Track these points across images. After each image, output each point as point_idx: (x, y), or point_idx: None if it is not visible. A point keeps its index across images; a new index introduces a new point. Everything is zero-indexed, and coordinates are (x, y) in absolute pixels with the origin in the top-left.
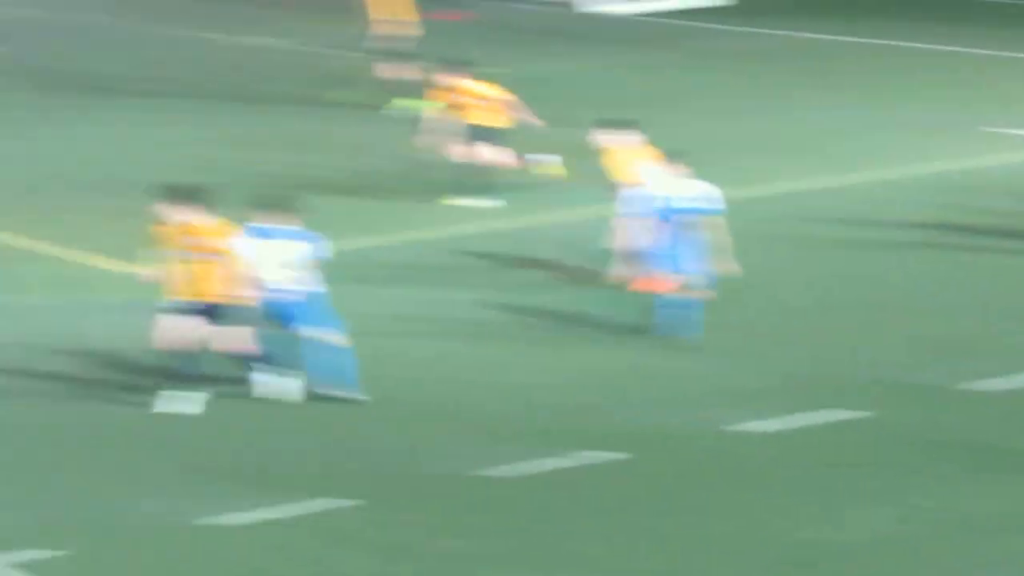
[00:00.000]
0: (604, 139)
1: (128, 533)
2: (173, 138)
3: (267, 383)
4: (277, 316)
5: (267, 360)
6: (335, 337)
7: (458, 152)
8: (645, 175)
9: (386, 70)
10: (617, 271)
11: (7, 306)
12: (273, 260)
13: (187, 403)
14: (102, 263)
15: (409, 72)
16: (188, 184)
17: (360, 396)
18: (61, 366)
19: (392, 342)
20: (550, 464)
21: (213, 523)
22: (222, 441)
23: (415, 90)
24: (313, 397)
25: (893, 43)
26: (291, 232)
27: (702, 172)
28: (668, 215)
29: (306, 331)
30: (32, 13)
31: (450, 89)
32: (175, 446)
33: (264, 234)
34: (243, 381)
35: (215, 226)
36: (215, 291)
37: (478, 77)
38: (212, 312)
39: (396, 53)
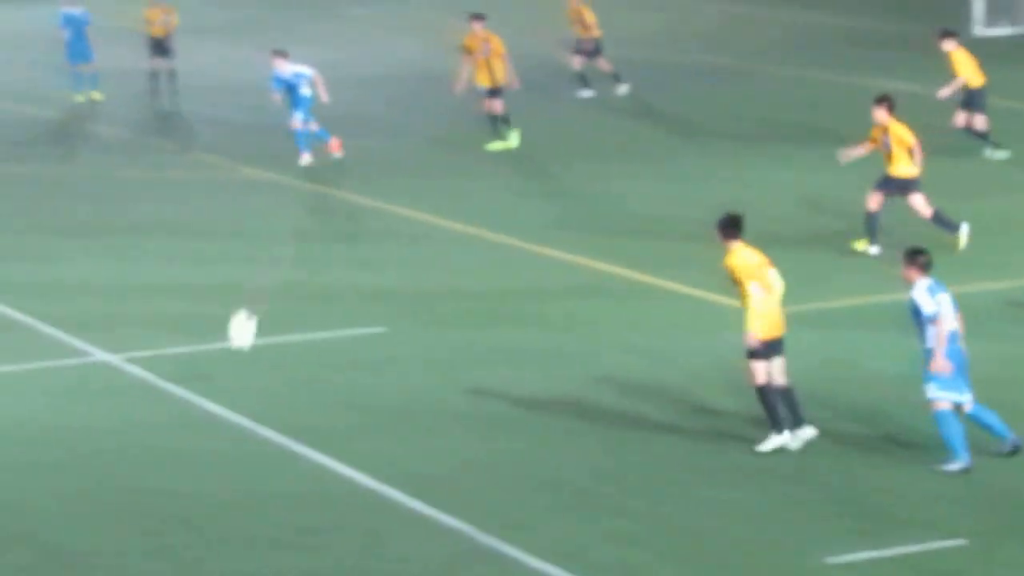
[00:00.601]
0: None
1: (738, 568)
2: (788, 179)
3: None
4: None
5: (796, 410)
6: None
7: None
8: None
9: (960, 119)
10: None
11: (637, 343)
12: (950, 307)
13: (791, 441)
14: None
15: (979, 121)
16: (734, 215)
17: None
18: (688, 402)
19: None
20: None
21: (815, 562)
22: (826, 478)
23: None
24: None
25: None
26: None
27: None
28: None
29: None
30: (655, 55)
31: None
32: (781, 483)
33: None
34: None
35: (749, 263)
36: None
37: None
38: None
39: (969, 103)
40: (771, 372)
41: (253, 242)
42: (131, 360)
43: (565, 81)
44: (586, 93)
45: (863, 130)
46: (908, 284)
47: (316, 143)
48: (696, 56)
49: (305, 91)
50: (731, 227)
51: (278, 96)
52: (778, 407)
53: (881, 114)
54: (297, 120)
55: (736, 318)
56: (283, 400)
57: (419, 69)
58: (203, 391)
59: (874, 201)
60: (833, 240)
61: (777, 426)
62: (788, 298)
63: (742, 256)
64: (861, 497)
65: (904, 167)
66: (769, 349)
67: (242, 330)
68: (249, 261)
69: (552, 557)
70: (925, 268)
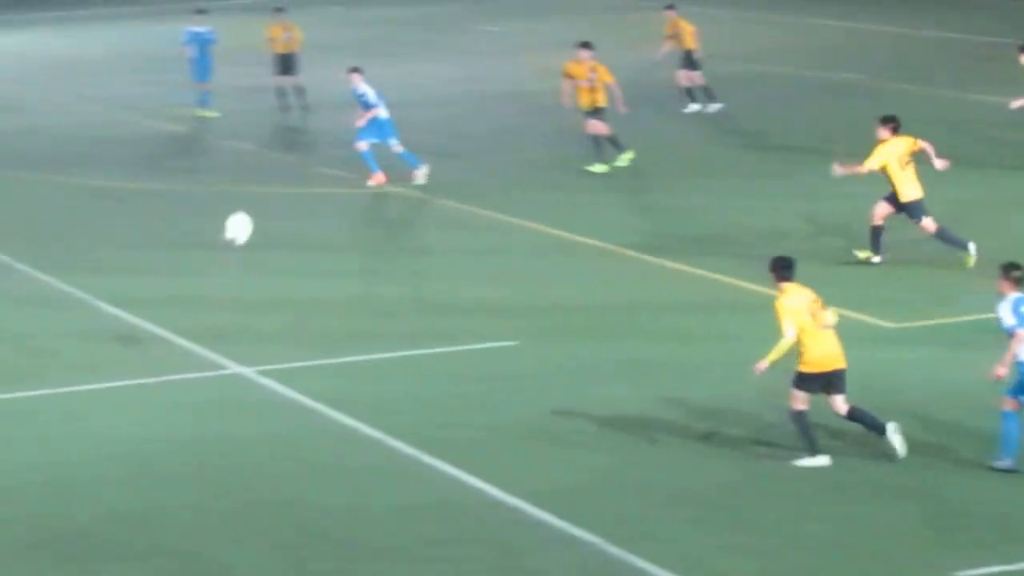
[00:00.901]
0: None
1: None
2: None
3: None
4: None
5: (869, 421)
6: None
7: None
8: None
9: None
10: None
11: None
12: None
13: (827, 462)
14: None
15: None
16: (786, 258)
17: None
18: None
19: None
20: None
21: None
22: (947, 492)
23: None
24: None
25: None
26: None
27: None
28: None
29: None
30: (772, 71)
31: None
32: (904, 498)
33: None
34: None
35: (793, 306)
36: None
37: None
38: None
39: None
40: (832, 403)
41: (380, 256)
42: (264, 373)
43: (674, 97)
44: (714, 107)
45: (983, 146)
46: (1000, 297)
47: (362, 161)
48: (816, 72)
49: (381, 113)
50: (783, 269)
51: (364, 113)
52: (813, 433)
53: (884, 134)
54: (395, 145)
55: (862, 333)
56: (414, 412)
57: (539, 86)
58: (334, 403)
59: (930, 225)
60: (956, 256)
61: (813, 449)
62: (913, 314)
63: (789, 298)
64: (985, 512)
65: (909, 189)
66: (829, 381)
67: (239, 227)
68: (376, 275)
69: (682, 569)
70: (1018, 283)
